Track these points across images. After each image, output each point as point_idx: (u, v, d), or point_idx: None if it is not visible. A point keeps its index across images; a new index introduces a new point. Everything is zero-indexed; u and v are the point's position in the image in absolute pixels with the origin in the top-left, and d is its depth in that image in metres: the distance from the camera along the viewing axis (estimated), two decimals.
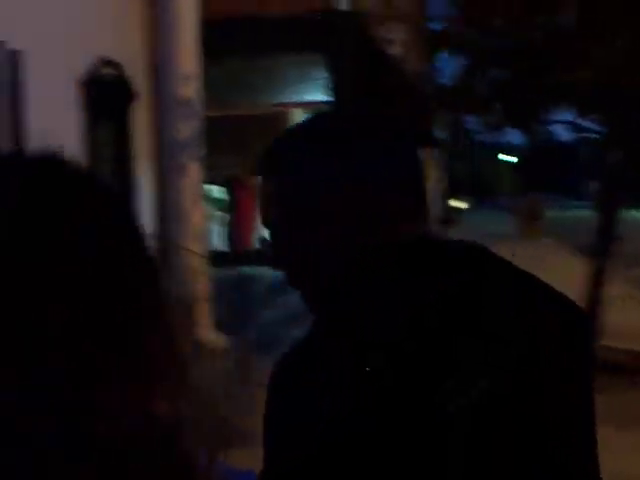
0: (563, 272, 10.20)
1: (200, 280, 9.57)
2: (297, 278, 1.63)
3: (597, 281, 11.36)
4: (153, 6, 9.88)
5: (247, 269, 12.55)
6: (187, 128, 9.67)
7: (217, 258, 12.39)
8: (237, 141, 16.87)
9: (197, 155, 9.81)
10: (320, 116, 1.76)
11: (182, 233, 9.71)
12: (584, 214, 17.76)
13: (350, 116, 1.68)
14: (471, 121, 16.17)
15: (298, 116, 17.57)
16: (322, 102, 17.21)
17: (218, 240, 17.03)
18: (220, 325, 9.85)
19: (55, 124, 12.13)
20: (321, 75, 16.84)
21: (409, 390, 1.37)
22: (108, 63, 14.65)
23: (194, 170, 9.75)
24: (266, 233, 1.69)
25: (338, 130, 1.62)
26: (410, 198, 1.59)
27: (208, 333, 9.63)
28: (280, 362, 1.55)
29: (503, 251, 1.66)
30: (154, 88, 10.09)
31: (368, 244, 1.51)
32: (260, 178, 1.67)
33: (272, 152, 1.67)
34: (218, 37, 16.13)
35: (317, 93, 17.20)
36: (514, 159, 74.15)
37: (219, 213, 16.94)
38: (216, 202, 16.89)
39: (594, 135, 13.31)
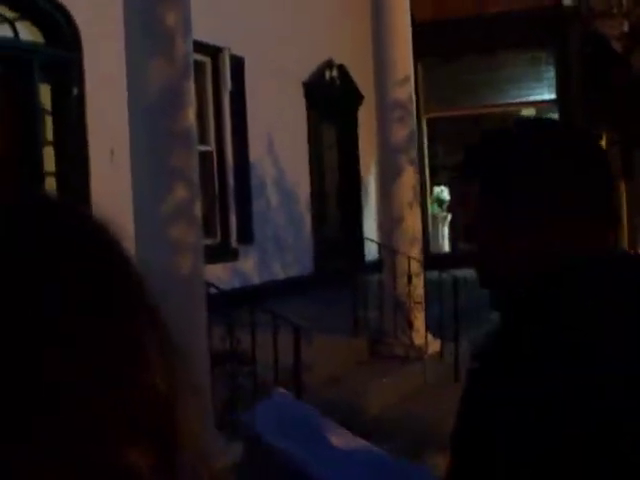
0: None
1: (416, 284, 9.54)
2: (492, 280, 1.67)
3: None
4: (373, 13, 9.89)
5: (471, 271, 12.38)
6: (402, 131, 9.63)
7: (440, 260, 12.36)
8: (462, 142, 16.71)
9: (412, 157, 9.76)
10: (528, 122, 1.85)
11: (399, 236, 9.70)
12: None
13: (564, 130, 1.76)
14: None
15: (525, 115, 17.24)
16: (549, 101, 16.84)
17: (442, 242, 16.96)
18: (438, 329, 9.78)
19: (280, 126, 12.50)
20: (547, 73, 16.45)
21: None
22: (333, 65, 14.87)
23: (409, 172, 9.71)
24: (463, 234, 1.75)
25: (552, 141, 1.66)
26: (610, 212, 1.62)
27: (423, 337, 9.59)
28: (478, 359, 1.61)
29: None
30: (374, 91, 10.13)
31: (576, 255, 1.54)
32: (465, 178, 1.70)
33: (481, 152, 1.70)
34: (444, 38, 16.07)
35: (543, 91, 16.82)
36: None
37: (444, 214, 16.87)
38: (442, 203, 16.82)
39: None
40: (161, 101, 5.78)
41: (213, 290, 6.65)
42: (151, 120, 5.79)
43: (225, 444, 6.11)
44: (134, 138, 5.95)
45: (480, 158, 1.69)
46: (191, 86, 5.98)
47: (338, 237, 15.07)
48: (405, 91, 9.67)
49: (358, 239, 14.24)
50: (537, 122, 1.82)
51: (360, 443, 1.94)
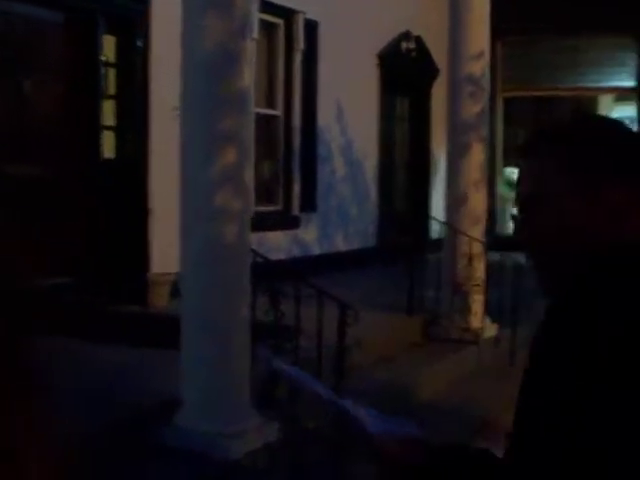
0: None
1: (476, 266, 9.21)
2: (543, 263, 1.68)
3: None
4: None
5: None
6: (474, 107, 9.27)
7: (506, 242, 11.96)
8: (538, 122, 16.24)
9: (482, 135, 9.40)
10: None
11: (462, 215, 9.37)
12: None
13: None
14: None
15: (603, 100, 16.74)
16: (628, 88, 16.28)
17: (510, 224, 16.55)
18: (497, 313, 9.44)
19: (351, 96, 12.23)
20: (630, 60, 15.89)
21: None
22: (410, 37, 14.48)
23: (477, 151, 9.35)
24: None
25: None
26: None
27: (480, 321, 9.26)
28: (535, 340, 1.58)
29: None
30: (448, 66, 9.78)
31: (620, 243, 1.57)
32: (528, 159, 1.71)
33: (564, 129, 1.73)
34: (526, 16, 15.58)
35: (623, 78, 16.26)
36: None
37: (513, 195, 16.47)
38: (512, 184, 16.39)
39: None
40: (215, 60, 5.51)
41: (260, 259, 6.40)
42: (203, 79, 5.53)
43: (261, 424, 5.89)
44: (185, 97, 5.70)
45: (563, 133, 1.69)
46: (249, 46, 5.71)
47: (404, 212, 14.75)
48: (479, 67, 9.31)
49: (424, 216, 13.90)
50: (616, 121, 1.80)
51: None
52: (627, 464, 1.37)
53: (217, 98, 5.51)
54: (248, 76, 5.67)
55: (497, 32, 15.82)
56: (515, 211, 1.79)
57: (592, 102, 16.80)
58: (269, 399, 6.24)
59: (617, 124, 1.73)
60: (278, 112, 11.97)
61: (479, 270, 9.23)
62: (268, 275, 6.43)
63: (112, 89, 9.63)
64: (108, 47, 9.51)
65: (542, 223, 1.65)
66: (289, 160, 12.01)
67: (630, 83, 16.19)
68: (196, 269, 5.68)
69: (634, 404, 1.37)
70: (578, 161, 1.62)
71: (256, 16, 11.03)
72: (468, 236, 9.13)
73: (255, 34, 11.14)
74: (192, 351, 5.70)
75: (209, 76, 5.52)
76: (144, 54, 9.50)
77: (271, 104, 11.97)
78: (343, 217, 13.15)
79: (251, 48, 5.71)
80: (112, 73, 9.63)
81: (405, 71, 14.54)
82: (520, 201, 1.72)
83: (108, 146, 9.55)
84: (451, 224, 9.40)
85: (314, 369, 6.06)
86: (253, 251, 6.24)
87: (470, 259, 9.11)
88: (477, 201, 9.41)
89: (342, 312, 5.93)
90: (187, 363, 5.74)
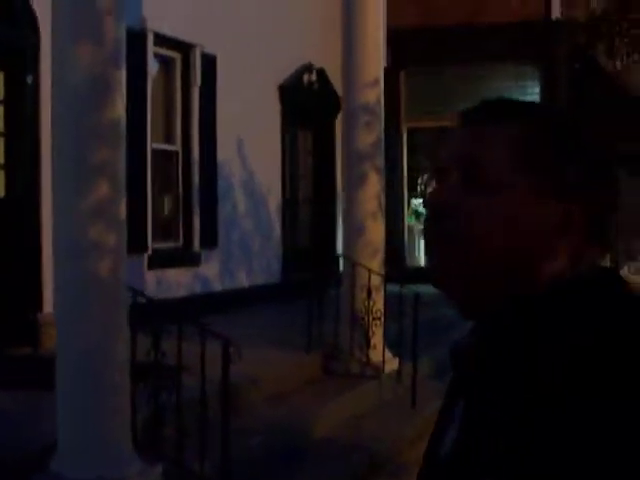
0: None
1: (376, 298, 9.06)
2: (463, 277, 1.34)
3: None
4: (343, 13, 9.46)
5: None
6: (369, 137, 9.16)
7: (417, 274, 11.87)
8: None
9: (378, 165, 9.29)
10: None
11: (361, 247, 9.23)
12: None
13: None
14: None
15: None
16: None
17: (419, 255, 16.51)
18: (398, 346, 9.28)
19: (252, 129, 12.04)
20: (532, 88, 16.02)
21: None
22: (312, 69, 14.38)
23: (374, 181, 9.23)
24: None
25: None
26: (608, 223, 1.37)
27: (380, 354, 9.10)
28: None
29: None
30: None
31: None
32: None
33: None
34: (430, 47, 15.65)
35: None
36: None
37: (421, 227, 16.45)
38: (419, 216, 16.37)
39: None
40: (84, 89, 5.29)
41: (142, 299, 6.18)
42: (72, 109, 5.31)
43: (143, 468, 5.63)
44: (55, 128, 5.47)
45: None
46: (121, 75, 5.50)
47: (309, 247, 14.61)
48: (374, 95, 9.21)
49: (329, 250, 13.78)
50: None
51: None
52: None
53: (87, 129, 5.30)
54: (120, 106, 5.47)
55: (399, 61, 15.90)
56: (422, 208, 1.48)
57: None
58: (153, 441, 5.99)
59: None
60: (176, 147, 11.76)
61: (378, 303, 9.08)
62: (152, 314, 6.21)
63: (1, 126, 9.37)
64: None
65: (475, 216, 1.30)
66: (188, 195, 11.79)
67: None
68: (69, 307, 5.44)
69: (580, 429, 1.17)
70: (541, 150, 1.32)
71: (152, 50, 10.86)
72: (366, 268, 8.99)
73: (151, 68, 10.99)
74: (66, 393, 5.44)
75: (78, 106, 5.30)
76: (34, 90, 9.22)
77: (169, 139, 11.76)
78: (246, 252, 12.95)
79: (122, 78, 5.50)
80: (1, 110, 9.37)
81: (307, 104, 14.44)
82: (440, 179, 1.37)
83: None
84: (348, 256, 9.26)
85: (199, 407, 5.86)
86: (134, 290, 6.02)
87: (369, 292, 8.96)
88: (375, 232, 9.28)
89: (225, 349, 5.71)
90: (61, 406, 5.48)
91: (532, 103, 1.44)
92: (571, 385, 1.19)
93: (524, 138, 1.33)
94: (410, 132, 16.68)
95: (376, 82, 9.21)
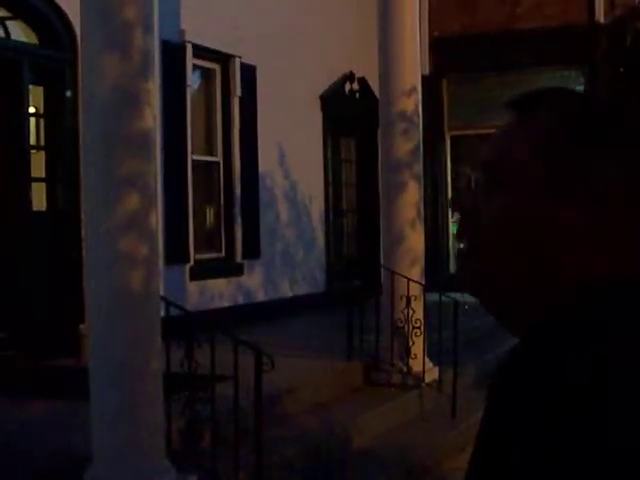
0: None
1: (415, 307, 8.99)
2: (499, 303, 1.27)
3: None
4: (379, 22, 9.42)
5: None
6: (406, 144, 9.11)
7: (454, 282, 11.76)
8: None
9: (416, 173, 9.22)
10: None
11: (400, 256, 9.17)
12: None
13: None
14: None
15: None
16: None
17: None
18: (439, 355, 9.19)
19: (294, 140, 12.07)
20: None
21: None
22: (353, 78, 14.36)
23: (413, 189, 9.18)
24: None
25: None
26: None
27: (421, 364, 9.03)
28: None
29: None
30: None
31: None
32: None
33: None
34: (472, 54, 15.55)
35: None
36: None
37: None
38: None
39: None
40: (113, 101, 5.31)
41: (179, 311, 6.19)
42: (102, 121, 5.33)
43: (178, 478, 5.62)
44: (86, 140, 5.49)
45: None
46: (150, 86, 5.50)
47: (353, 256, 14.55)
48: (411, 103, 9.15)
49: (374, 258, 13.70)
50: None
51: None
52: None
53: (115, 141, 5.30)
54: (150, 116, 5.47)
55: (441, 69, 15.83)
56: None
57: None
58: (187, 451, 5.99)
59: None
60: (217, 158, 11.79)
61: (418, 312, 9.01)
62: (188, 325, 6.22)
63: (42, 140, 9.47)
64: (36, 98, 9.34)
65: (496, 221, 1.24)
66: (230, 206, 11.81)
67: None
68: (102, 318, 5.45)
69: (606, 435, 1.11)
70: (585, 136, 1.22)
71: (191, 61, 10.91)
72: (404, 276, 8.92)
73: (190, 80, 11.03)
74: (100, 404, 5.45)
75: (105, 117, 5.31)
76: (73, 104, 9.29)
77: (210, 151, 11.79)
78: (289, 262, 12.93)
79: (153, 90, 5.51)
80: (41, 124, 9.47)
81: (349, 112, 14.40)
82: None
83: (39, 198, 9.35)
84: (387, 266, 9.19)
85: (233, 418, 5.84)
86: (167, 300, 6.03)
87: (408, 300, 8.89)
88: (414, 241, 9.22)
89: (257, 359, 5.69)
90: (96, 417, 5.48)
91: (570, 90, 1.31)
92: (598, 391, 1.12)
93: (549, 132, 1.23)
94: (453, 140, 16.58)
95: (413, 90, 9.15)
